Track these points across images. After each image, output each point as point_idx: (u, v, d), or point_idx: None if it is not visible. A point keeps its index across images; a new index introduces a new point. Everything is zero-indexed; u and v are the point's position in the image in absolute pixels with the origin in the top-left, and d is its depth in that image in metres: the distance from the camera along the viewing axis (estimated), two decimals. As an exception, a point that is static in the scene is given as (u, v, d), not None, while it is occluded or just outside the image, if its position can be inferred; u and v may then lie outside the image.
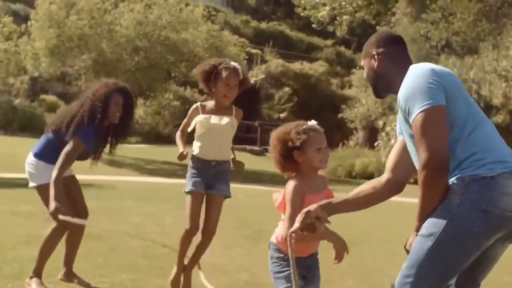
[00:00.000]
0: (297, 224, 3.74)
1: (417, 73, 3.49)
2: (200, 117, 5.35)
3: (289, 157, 4.21)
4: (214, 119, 5.32)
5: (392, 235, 9.79)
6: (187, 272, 5.79)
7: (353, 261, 8.13)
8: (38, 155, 5.94)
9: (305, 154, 4.18)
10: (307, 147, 4.17)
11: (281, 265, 4.25)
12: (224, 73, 5.18)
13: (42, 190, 5.82)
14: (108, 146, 6.25)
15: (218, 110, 5.35)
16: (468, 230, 3.32)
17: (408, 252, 3.58)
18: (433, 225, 3.39)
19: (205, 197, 5.49)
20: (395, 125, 24.29)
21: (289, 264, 4.08)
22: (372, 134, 29.97)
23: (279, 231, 4.28)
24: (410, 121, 3.43)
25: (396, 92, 3.58)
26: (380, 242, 9.37)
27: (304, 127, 4.21)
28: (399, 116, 3.69)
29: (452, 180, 3.43)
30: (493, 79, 22.94)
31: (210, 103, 5.38)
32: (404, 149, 3.74)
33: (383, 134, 26.25)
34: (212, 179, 5.38)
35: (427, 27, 27.23)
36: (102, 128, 5.93)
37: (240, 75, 5.28)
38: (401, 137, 3.77)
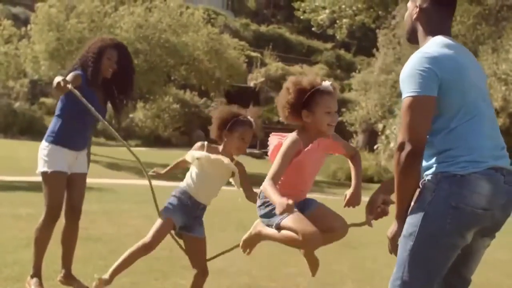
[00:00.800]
0: (370, 217, 3.80)
1: (417, 57, 3.51)
2: (201, 154, 5.22)
3: (296, 111, 4.24)
4: (215, 157, 5.21)
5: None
6: None
7: (353, 264, 8.15)
8: (50, 138, 5.90)
9: (314, 115, 4.21)
10: (317, 109, 4.19)
11: (272, 206, 4.21)
12: (241, 128, 5.11)
13: (47, 178, 5.82)
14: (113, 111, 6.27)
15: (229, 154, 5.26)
16: (441, 227, 3.38)
17: (391, 241, 3.61)
18: (411, 224, 3.46)
19: (184, 237, 5.44)
20: (394, 128, 24.42)
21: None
22: (372, 137, 30.01)
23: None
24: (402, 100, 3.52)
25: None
26: (380, 244, 9.34)
27: (317, 85, 4.23)
28: None
29: (426, 173, 3.50)
30: (492, 83, 22.96)
31: (215, 149, 5.27)
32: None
33: (383, 137, 26.29)
34: (193, 221, 5.34)
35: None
36: (94, 80, 5.86)
37: (254, 131, 5.23)
38: None
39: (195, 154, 5.20)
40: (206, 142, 5.24)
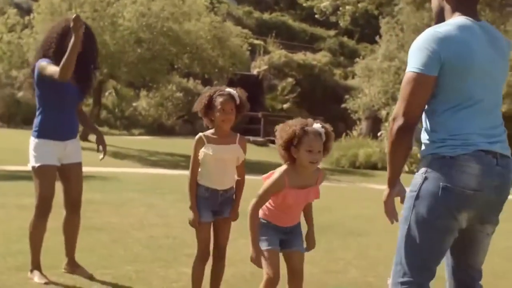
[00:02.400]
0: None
1: (425, 34, 3.55)
2: (206, 150, 5.24)
3: (288, 150, 4.67)
4: (218, 149, 5.23)
5: (396, 225, 9.77)
6: None
7: (357, 252, 8.15)
8: (35, 133, 5.90)
9: (298, 152, 4.60)
10: (301, 147, 4.58)
11: (263, 229, 4.81)
12: (219, 99, 5.16)
13: (36, 172, 5.82)
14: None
15: (221, 139, 5.27)
16: (433, 209, 3.44)
17: (388, 214, 3.73)
18: (405, 209, 3.57)
19: (214, 223, 5.45)
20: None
21: (270, 229, 4.80)
22: (375, 124, 29.96)
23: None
24: None
25: None
26: (384, 232, 9.35)
27: (305, 128, 4.61)
28: None
29: (421, 153, 3.61)
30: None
31: (212, 134, 5.30)
32: None
33: (386, 124, 26.23)
34: (219, 207, 5.35)
35: (430, 16, 27.16)
36: (58, 60, 5.64)
37: (237, 100, 5.23)
38: None
39: (200, 154, 5.22)
40: (202, 134, 5.25)
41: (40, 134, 5.86)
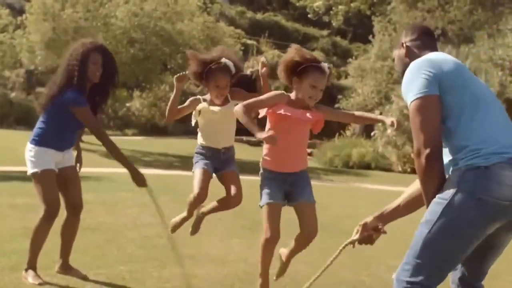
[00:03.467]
0: (355, 237, 3.89)
1: (413, 65, 3.59)
2: (205, 109, 5.32)
3: (290, 74, 4.73)
4: (217, 109, 5.32)
5: (391, 225, 9.78)
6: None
7: (351, 251, 8.13)
8: (35, 141, 5.90)
9: (300, 84, 4.65)
10: (305, 79, 4.61)
11: (266, 181, 4.89)
12: (214, 73, 5.19)
13: (38, 178, 5.82)
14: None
15: (218, 102, 5.38)
16: (463, 218, 3.34)
17: None
18: (430, 212, 3.44)
19: (218, 176, 5.52)
20: (391, 115, 24.40)
21: (270, 182, 4.81)
22: (369, 124, 30.00)
23: (262, 155, 4.88)
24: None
25: None
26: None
27: (316, 63, 4.70)
28: None
29: (450, 170, 3.48)
30: (489, 68, 22.95)
31: (208, 98, 5.38)
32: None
33: (380, 124, 26.25)
34: (221, 164, 5.42)
35: (423, 15, 27.21)
36: (84, 88, 5.81)
37: (232, 70, 5.27)
38: None
39: (199, 116, 5.34)
40: (199, 96, 5.34)
41: (41, 144, 5.88)
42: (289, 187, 4.83)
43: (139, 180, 5.81)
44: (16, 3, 39.93)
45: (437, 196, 3.45)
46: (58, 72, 6.09)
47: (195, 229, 5.90)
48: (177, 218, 5.82)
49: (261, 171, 4.88)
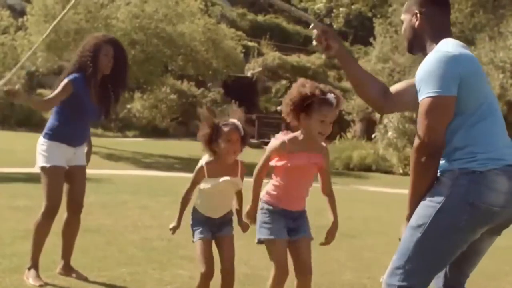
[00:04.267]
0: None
1: (437, 56, 3.45)
2: (206, 185, 5.18)
3: (297, 112, 4.51)
4: (218, 184, 5.16)
5: (390, 227, 9.80)
6: None
7: (351, 253, 8.15)
8: (48, 135, 5.95)
9: (309, 120, 4.44)
10: (313, 115, 4.41)
11: (268, 216, 4.65)
12: (224, 129, 5.08)
13: (46, 173, 5.84)
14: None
15: (223, 170, 5.20)
16: (455, 223, 3.33)
17: None
18: (422, 216, 3.41)
19: (214, 242, 5.39)
20: (392, 117, 24.43)
21: (275, 217, 4.61)
22: (370, 126, 30.00)
23: (266, 187, 4.71)
24: (419, 100, 3.44)
25: (426, 55, 3.58)
26: (378, 234, 9.38)
27: (322, 96, 4.43)
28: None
29: (442, 169, 3.46)
30: (490, 70, 22.93)
31: (215, 163, 5.22)
32: (410, 87, 3.76)
33: (381, 126, 26.27)
34: (218, 227, 5.30)
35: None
36: (94, 79, 5.93)
37: (241, 131, 5.17)
38: None
39: (200, 187, 5.15)
40: (204, 164, 5.13)
41: (53, 138, 5.92)
42: (293, 223, 4.72)
43: None
44: (17, 4, 39.95)
45: (427, 199, 3.42)
46: (70, 63, 6.20)
47: None
48: None
49: (264, 206, 4.70)
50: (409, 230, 3.46)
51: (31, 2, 25.76)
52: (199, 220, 5.20)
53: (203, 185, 5.12)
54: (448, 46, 3.52)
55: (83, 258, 6.61)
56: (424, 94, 3.40)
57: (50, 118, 6.04)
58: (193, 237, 5.22)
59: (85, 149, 6.24)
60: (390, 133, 24.98)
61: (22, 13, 29.64)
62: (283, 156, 4.58)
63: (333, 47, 3.84)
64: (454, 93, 3.36)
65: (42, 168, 5.88)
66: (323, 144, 4.73)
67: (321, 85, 4.59)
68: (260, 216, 4.71)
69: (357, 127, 31.94)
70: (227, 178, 5.07)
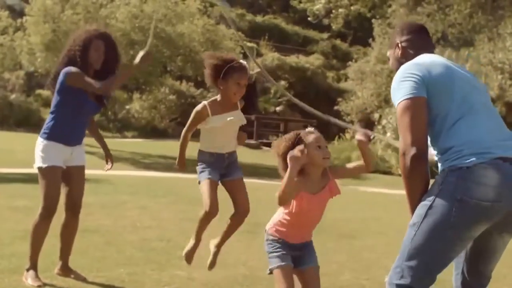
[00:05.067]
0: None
1: (402, 68, 3.62)
2: (212, 122, 5.25)
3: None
4: (225, 118, 5.26)
5: (390, 228, 9.81)
6: (218, 249, 5.70)
7: (350, 254, 8.16)
8: (45, 134, 5.94)
9: (308, 156, 4.35)
10: (308, 148, 4.37)
11: (274, 246, 4.54)
12: (235, 72, 5.15)
13: (43, 173, 5.83)
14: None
15: (226, 107, 5.30)
16: (446, 220, 3.38)
17: None
18: (416, 215, 3.49)
19: (224, 184, 5.45)
20: (391, 118, 24.44)
21: (281, 246, 4.51)
22: (368, 127, 29.95)
23: (274, 219, 4.63)
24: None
25: None
26: (377, 235, 9.38)
27: (302, 134, 4.46)
28: None
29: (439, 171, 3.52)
30: (488, 71, 22.96)
31: (217, 101, 5.30)
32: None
33: (379, 127, 26.28)
34: (226, 169, 5.38)
35: (423, 19, 27.21)
36: (85, 72, 5.84)
37: (248, 74, 5.28)
38: None
39: (204, 126, 5.26)
40: (206, 103, 5.24)
41: (50, 137, 5.91)
42: (297, 252, 4.65)
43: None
44: (16, 5, 39.93)
45: (423, 198, 3.49)
46: (60, 57, 6.14)
47: (213, 264, 5.78)
48: (188, 247, 5.71)
49: (267, 236, 4.64)
50: (408, 230, 3.52)
51: (30, 3, 25.74)
52: (206, 161, 5.27)
53: (209, 124, 5.18)
54: (417, 58, 3.69)
55: (81, 258, 6.61)
56: (397, 101, 3.53)
57: (48, 118, 6.02)
58: (200, 178, 5.28)
59: (83, 148, 6.22)
60: (388, 134, 24.98)
61: (21, 13, 29.60)
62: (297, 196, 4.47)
63: None
64: (423, 94, 3.49)
65: (39, 169, 5.88)
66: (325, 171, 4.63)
67: (298, 131, 4.59)
68: (269, 247, 4.61)
69: (355, 128, 31.92)
70: (232, 115, 5.19)
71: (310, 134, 4.49)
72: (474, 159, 3.37)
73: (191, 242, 5.67)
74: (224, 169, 5.37)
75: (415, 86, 3.47)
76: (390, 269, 3.63)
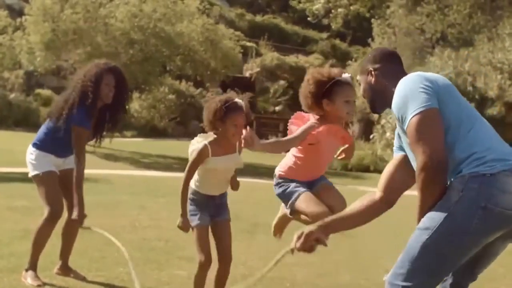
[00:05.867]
0: (296, 245, 3.76)
1: (407, 81, 3.50)
2: (211, 164, 5.22)
3: (318, 100, 4.47)
4: (222, 161, 5.22)
5: (388, 228, 9.80)
6: None
7: (349, 254, 8.16)
8: (37, 145, 5.95)
9: (333, 104, 4.42)
10: (337, 98, 4.41)
11: (284, 185, 4.66)
12: (232, 113, 5.11)
13: (40, 180, 5.84)
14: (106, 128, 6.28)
15: (225, 149, 5.25)
16: (465, 227, 3.28)
17: None
18: (431, 219, 3.37)
19: (212, 225, 5.40)
20: (390, 117, 24.44)
21: (291, 182, 4.59)
22: (368, 127, 30.02)
23: (282, 163, 4.72)
24: (405, 128, 3.44)
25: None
26: (376, 235, 9.37)
27: (337, 75, 4.47)
28: (397, 129, 3.72)
29: (452, 178, 3.41)
30: (488, 71, 22.96)
31: (216, 142, 5.25)
32: (398, 168, 3.76)
33: (379, 126, 26.30)
34: (215, 210, 5.33)
35: (422, 19, 27.24)
36: (95, 108, 5.91)
37: (244, 111, 5.22)
38: (399, 153, 3.78)
39: (204, 167, 5.18)
40: (207, 144, 5.16)
41: (42, 149, 5.93)
42: (310, 185, 4.75)
43: (79, 217, 5.78)
44: (15, 4, 39.95)
45: (438, 204, 3.38)
46: (69, 89, 6.11)
47: None
48: None
49: (278, 180, 4.73)
50: (416, 232, 3.42)
51: (29, 2, 25.75)
52: (199, 203, 5.23)
53: (208, 165, 5.14)
54: (411, 74, 3.59)
55: (81, 258, 6.61)
56: (409, 116, 3.40)
57: (42, 130, 6.01)
58: (191, 223, 5.24)
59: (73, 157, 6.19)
60: (388, 134, 25.00)
61: (21, 13, 29.63)
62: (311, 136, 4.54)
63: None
64: (436, 105, 3.38)
65: (36, 176, 5.89)
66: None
67: (331, 69, 4.60)
68: (283, 185, 4.73)
69: (355, 128, 31.94)
70: (231, 159, 5.17)
71: (345, 84, 4.47)
72: (497, 165, 3.31)
73: None
74: (214, 209, 5.32)
75: (428, 97, 3.37)
76: (390, 269, 3.61)
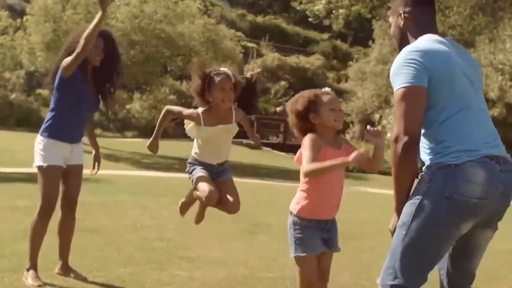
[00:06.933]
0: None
1: (405, 51, 3.55)
2: (203, 133, 5.28)
3: (305, 119, 4.45)
4: (214, 131, 5.27)
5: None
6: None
7: (350, 255, 8.16)
8: (45, 133, 5.92)
9: (320, 116, 4.41)
10: (322, 109, 4.41)
11: (298, 231, 4.49)
12: (216, 79, 5.19)
13: (43, 172, 5.83)
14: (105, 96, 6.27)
15: (219, 118, 5.30)
16: (435, 218, 3.38)
17: (392, 234, 3.62)
18: (405, 214, 3.47)
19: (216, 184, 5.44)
20: (391, 119, 24.45)
21: (305, 229, 4.44)
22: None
23: (296, 198, 4.54)
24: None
25: None
26: (377, 235, 9.37)
27: (317, 92, 4.50)
28: None
29: (423, 167, 3.52)
30: (489, 73, 22.97)
31: (209, 113, 5.32)
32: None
33: (380, 127, 26.26)
34: (216, 175, 5.38)
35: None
36: (84, 70, 5.88)
37: (232, 79, 5.27)
38: None
39: (195, 133, 5.36)
40: (200, 112, 5.26)
41: (51, 135, 5.88)
42: (326, 234, 4.60)
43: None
44: (16, 4, 39.95)
45: (410, 195, 3.49)
46: (59, 54, 6.14)
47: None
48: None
49: (294, 219, 4.52)
50: (397, 229, 3.53)
51: (30, 2, 25.76)
52: (196, 164, 5.30)
53: (200, 133, 5.22)
54: (420, 42, 3.61)
55: (82, 258, 6.61)
56: (397, 86, 3.49)
57: (47, 115, 6.01)
58: (193, 176, 5.29)
59: (82, 147, 6.20)
60: (388, 135, 24.99)
61: (22, 13, 29.65)
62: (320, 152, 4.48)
63: None
64: (424, 84, 3.45)
65: (39, 168, 5.87)
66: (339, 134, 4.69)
67: (307, 91, 4.60)
68: (293, 230, 4.55)
69: (356, 129, 31.97)
70: (222, 125, 5.22)
71: (326, 94, 4.50)
72: (463, 156, 3.38)
73: (189, 194, 5.66)
74: (214, 174, 5.37)
75: (416, 74, 3.44)
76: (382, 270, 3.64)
